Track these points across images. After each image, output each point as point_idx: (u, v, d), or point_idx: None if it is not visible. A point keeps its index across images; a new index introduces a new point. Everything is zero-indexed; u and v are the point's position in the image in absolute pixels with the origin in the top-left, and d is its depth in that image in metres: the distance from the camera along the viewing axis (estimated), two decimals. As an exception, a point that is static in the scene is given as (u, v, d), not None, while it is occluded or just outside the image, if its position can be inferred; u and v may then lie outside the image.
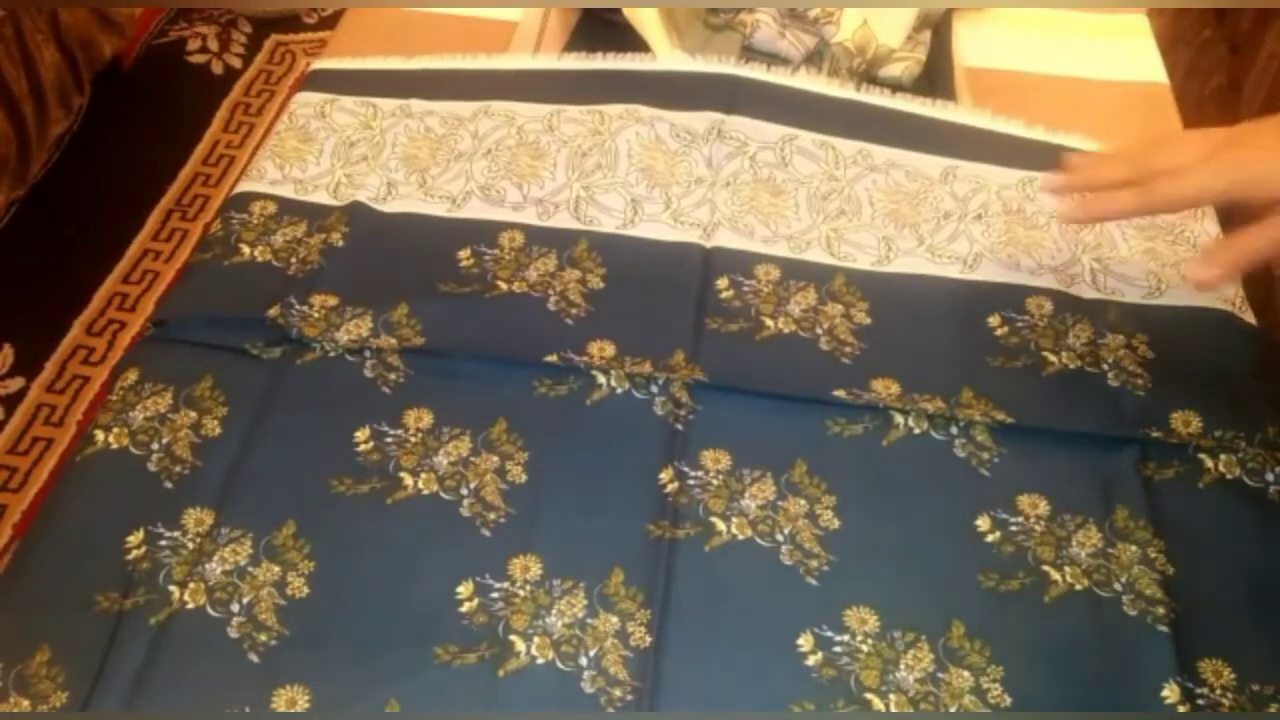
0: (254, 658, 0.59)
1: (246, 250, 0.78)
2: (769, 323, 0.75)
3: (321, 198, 0.83)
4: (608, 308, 0.76)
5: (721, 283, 0.77)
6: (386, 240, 0.80)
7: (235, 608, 0.61)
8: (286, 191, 0.83)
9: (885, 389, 0.71)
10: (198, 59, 1.88)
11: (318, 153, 0.86)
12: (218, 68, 1.87)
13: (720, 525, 0.65)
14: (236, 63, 1.87)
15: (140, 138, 1.76)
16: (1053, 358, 0.74)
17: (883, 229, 0.81)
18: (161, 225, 1.70)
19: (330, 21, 1.81)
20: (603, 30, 0.96)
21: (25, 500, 1.46)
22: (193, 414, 0.69)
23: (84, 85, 1.71)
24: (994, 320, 0.76)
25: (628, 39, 0.92)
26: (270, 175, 0.84)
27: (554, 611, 0.61)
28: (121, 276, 1.65)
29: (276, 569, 0.62)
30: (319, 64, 0.95)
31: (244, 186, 0.84)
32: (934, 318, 0.76)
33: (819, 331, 0.75)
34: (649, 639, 0.60)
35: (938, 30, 0.95)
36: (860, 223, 0.82)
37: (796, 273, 0.78)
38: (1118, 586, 0.63)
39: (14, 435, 1.51)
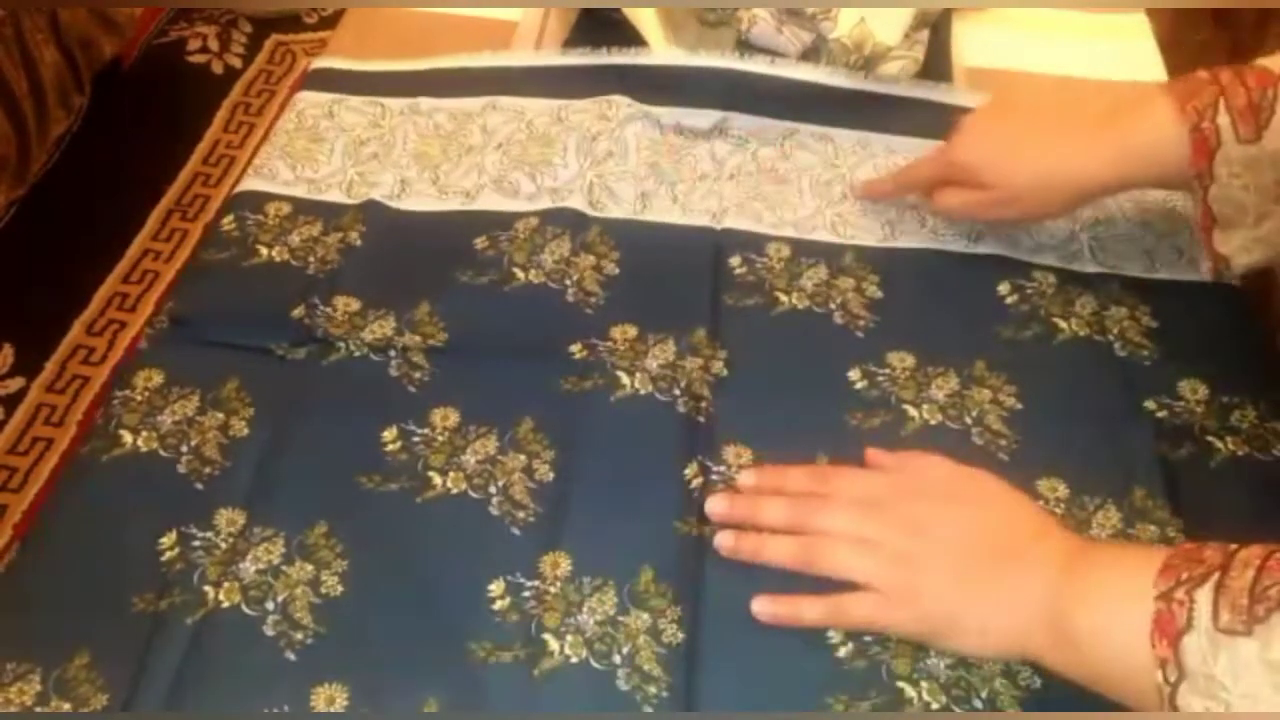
0: (291, 656, 0.59)
1: (264, 251, 0.79)
2: (783, 298, 0.77)
3: (335, 197, 0.83)
4: (625, 292, 0.77)
5: (734, 260, 0.79)
6: (403, 237, 0.81)
7: (270, 606, 0.61)
8: (300, 192, 0.83)
9: (900, 363, 0.73)
10: (198, 59, 1.88)
11: (329, 152, 0.87)
12: (218, 68, 1.87)
13: None
14: (236, 63, 1.87)
15: (140, 138, 1.76)
16: (1063, 324, 0.76)
17: (885, 213, 0.83)
18: (161, 225, 1.70)
19: (330, 21, 1.81)
20: (600, 27, 0.97)
21: (25, 500, 1.45)
22: (220, 415, 0.69)
23: (84, 85, 1.71)
24: (1004, 288, 0.78)
25: (625, 35, 0.93)
26: (282, 175, 0.85)
27: (585, 609, 0.62)
28: (121, 276, 1.65)
29: (310, 568, 0.63)
30: (320, 63, 0.96)
31: (255, 186, 0.84)
32: (943, 288, 0.79)
33: (832, 306, 0.77)
34: (681, 636, 0.61)
35: (936, 30, 0.96)
36: (864, 207, 0.84)
37: (806, 250, 0.80)
38: None
39: (14, 435, 1.51)
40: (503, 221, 0.81)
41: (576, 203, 0.82)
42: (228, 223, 0.81)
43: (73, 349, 1.58)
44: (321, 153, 0.87)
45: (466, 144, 0.87)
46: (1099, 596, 0.53)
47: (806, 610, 0.60)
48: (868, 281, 0.78)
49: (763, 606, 0.61)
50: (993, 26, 1.01)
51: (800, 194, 0.85)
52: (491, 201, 0.83)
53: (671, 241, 0.81)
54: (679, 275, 0.78)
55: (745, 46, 0.93)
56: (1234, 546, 0.48)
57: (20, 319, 1.57)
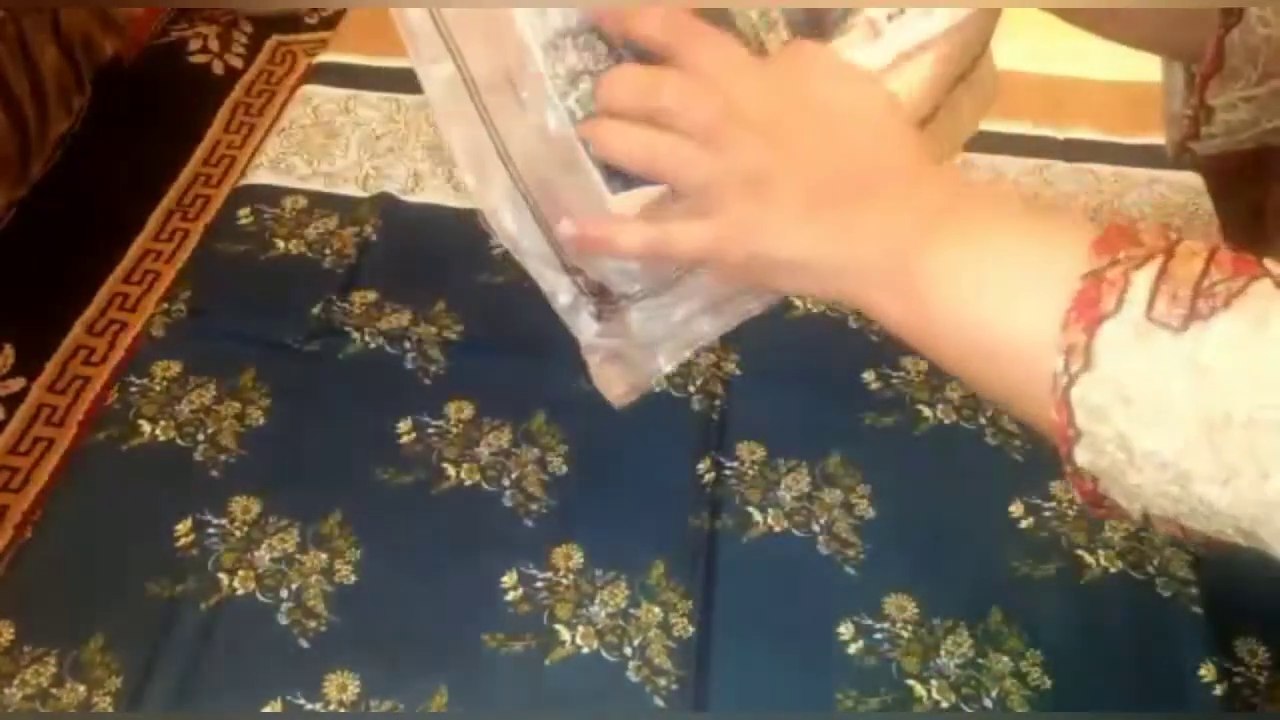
0: (304, 643, 0.60)
1: (281, 244, 0.79)
2: (797, 302, 0.77)
3: (350, 190, 0.84)
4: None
5: None
6: (417, 232, 0.81)
7: (284, 594, 0.61)
8: (317, 185, 0.84)
9: (915, 366, 0.73)
10: (199, 59, 1.88)
11: (344, 146, 0.87)
12: (218, 68, 1.87)
13: (757, 516, 0.66)
14: (237, 63, 1.87)
15: (141, 138, 1.75)
16: None
17: None
18: (162, 225, 1.70)
19: (330, 21, 1.81)
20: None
21: (26, 500, 1.44)
22: (236, 405, 0.70)
23: (85, 85, 1.70)
24: None
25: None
26: (298, 170, 0.85)
27: (597, 601, 0.62)
28: (122, 276, 1.64)
29: (324, 556, 0.63)
30: (327, 57, 0.97)
31: (269, 180, 0.85)
32: None
33: (847, 310, 0.76)
34: (691, 629, 0.61)
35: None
36: None
37: None
38: (1150, 569, 0.64)
39: (15, 435, 1.50)
40: None
41: None
42: (244, 214, 0.82)
43: (73, 349, 1.57)
44: (337, 147, 0.87)
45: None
46: (999, 257, 0.42)
47: (624, 237, 0.46)
48: None
49: (568, 228, 0.47)
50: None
51: None
52: None
53: None
54: None
55: None
56: (1175, 235, 0.38)
57: (21, 319, 1.57)
